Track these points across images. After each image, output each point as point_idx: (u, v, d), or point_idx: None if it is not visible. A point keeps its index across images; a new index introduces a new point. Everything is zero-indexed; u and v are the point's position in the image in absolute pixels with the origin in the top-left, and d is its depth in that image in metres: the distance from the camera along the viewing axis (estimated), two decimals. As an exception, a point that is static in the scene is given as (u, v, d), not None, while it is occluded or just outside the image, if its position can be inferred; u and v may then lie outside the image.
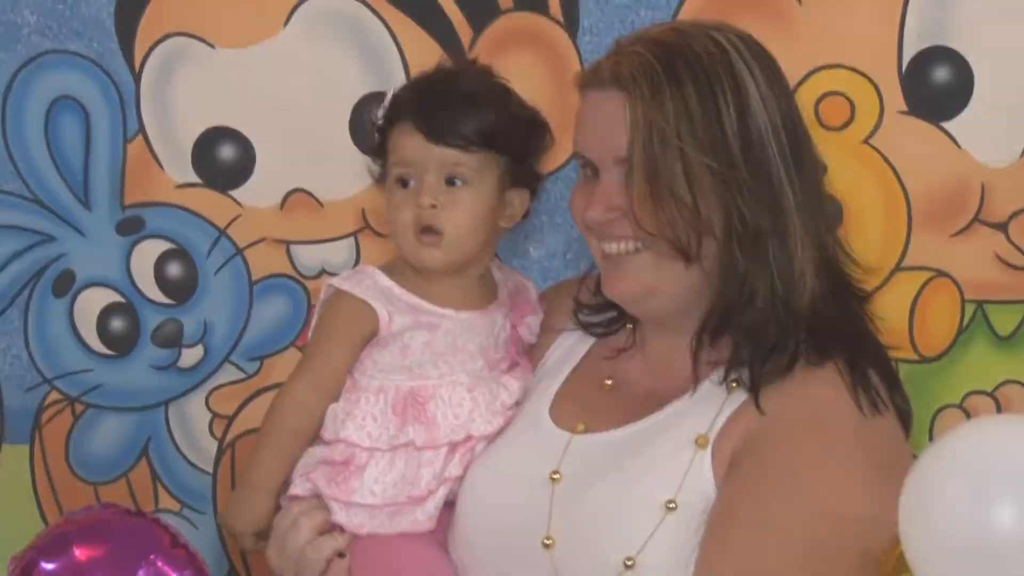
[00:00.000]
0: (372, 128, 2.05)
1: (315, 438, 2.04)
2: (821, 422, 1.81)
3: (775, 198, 1.84)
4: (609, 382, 1.99)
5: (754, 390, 1.83)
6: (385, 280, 2.01)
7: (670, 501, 1.81)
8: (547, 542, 1.86)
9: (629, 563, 1.80)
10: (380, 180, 2.06)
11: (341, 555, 1.98)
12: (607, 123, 1.85)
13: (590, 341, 2.06)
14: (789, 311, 1.85)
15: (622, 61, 1.85)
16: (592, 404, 1.97)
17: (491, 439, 2.01)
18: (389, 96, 2.04)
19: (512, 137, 2.00)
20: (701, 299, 1.89)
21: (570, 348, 2.08)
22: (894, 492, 1.55)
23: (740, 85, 1.83)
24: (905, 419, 1.89)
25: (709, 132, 1.82)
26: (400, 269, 2.02)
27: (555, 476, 1.90)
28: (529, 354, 2.10)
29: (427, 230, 1.98)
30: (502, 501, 1.94)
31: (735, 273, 1.85)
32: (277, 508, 2.04)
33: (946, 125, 2.37)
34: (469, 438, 2.00)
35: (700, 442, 1.83)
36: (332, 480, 1.99)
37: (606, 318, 2.05)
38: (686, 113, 1.81)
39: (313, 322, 2.07)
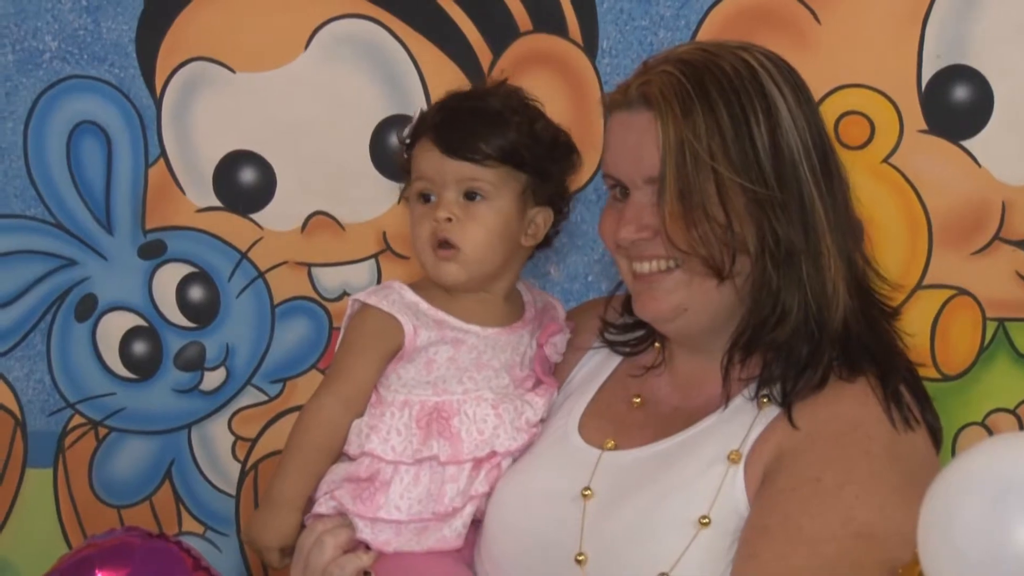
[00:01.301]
0: (400, 145, 2.06)
1: (340, 455, 2.04)
2: (854, 437, 1.80)
3: (807, 216, 1.84)
4: (638, 399, 1.99)
5: (787, 406, 1.84)
6: (411, 295, 2.01)
7: (703, 517, 1.80)
8: (579, 558, 1.86)
9: (663, 579, 1.80)
10: (406, 198, 2.06)
11: (366, 574, 1.98)
12: (637, 143, 1.86)
13: (617, 359, 2.06)
14: (822, 328, 1.85)
15: (651, 81, 1.85)
16: (621, 421, 1.97)
17: (515, 456, 2.01)
18: (417, 114, 2.05)
19: (532, 154, 1.99)
20: (732, 317, 1.89)
21: (597, 366, 2.07)
22: (926, 508, 1.55)
23: (771, 104, 1.84)
24: (936, 435, 1.89)
25: (741, 151, 1.82)
26: (426, 285, 2.03)
27: (586, 492, 1.90)
28: (555, 372, 2.10)
29: (444, 244, 1.98)
30: (532, 518, 1.94)
31: (768, 291, 1.85)
32: (303, 526, 2.04)
33: (966, 144, 2.38)
34: (493, 454, 2.00)
35: (733, 458, 1.83)
36: (357, 497, 1.99)
37: (634, 337, 2.05)
38: (718, 132, 1.82)
39: (339, 337, 2.06)
